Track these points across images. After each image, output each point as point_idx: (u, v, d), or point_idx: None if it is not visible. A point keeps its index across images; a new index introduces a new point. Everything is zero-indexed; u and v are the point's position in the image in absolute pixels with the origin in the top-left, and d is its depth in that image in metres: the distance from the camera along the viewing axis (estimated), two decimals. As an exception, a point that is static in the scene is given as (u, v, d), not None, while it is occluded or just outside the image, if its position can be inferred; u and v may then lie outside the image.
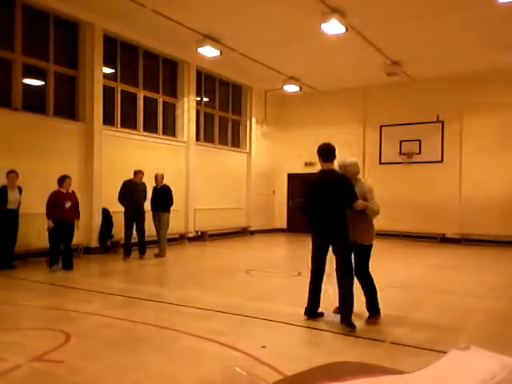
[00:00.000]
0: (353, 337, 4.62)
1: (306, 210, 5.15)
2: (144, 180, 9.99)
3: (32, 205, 8.60)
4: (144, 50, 12.03)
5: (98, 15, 10.17)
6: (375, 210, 5.05)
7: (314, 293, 5.08)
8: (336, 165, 5.12)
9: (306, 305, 5.13)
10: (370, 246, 5.11)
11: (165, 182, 10.33)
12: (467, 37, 10.91)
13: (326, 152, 5.00)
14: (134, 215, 9.77)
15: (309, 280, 5.16)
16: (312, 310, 5.10)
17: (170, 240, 11.26)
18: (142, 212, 9.90)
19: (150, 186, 10.20)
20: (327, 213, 4.90)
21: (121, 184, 9.82)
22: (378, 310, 5.09)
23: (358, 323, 4.86)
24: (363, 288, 5.11)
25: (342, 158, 5.25)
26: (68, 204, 8.28)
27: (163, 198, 10.14)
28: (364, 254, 5.07)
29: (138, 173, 9.91)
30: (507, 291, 7.14)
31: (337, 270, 4.93)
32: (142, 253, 9.86)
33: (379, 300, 5.12)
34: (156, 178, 10.25)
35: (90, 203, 10.28)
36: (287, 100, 16.81)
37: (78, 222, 8.53)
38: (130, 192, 9.71)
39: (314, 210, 5.00)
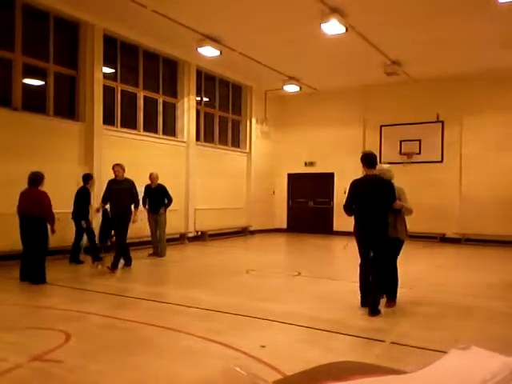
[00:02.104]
0: (353, 337, 4.63)
1: (352, 209, 5.75)
2: (142, 180, 9.87)
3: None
4: (144, 49, 12.03)
5: (98, 15, 10.17)
6: (409, 209, 5.93)
7: (365, 285, 5.61)
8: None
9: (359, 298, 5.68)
10: (404, 241, 5.96)
11: (165, 181, 10.29)
12: (467, 37, 10.90)
13: (370, 160, 5.70)
14: (113, 217, 8.67)
15: (358, 274, 5.73)
16: (365, 301, 5.58)
17: (170, 240, 11.26)
18: (124, 215, 8.45)
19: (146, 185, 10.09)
20: (373, 211, 5.52)
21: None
22: (396, 296, 5.81)
23: (362, 322, 5.00)
24: (388, 275, 5.79)
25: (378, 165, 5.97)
26: None
27: (160, 197, 10.07)
28: (399, 247, 5.91)
29: (114, 166, 8.54)
30: (507, 291, 7.15)
31: (373, 262, 5.56)
32: (113, 266, 8.20)
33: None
34: (151, 177, 10.16)
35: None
36: (287, 100, 16.80)
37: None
38: (110, 191, 8.58)
39: (360, 209, 5.62)
